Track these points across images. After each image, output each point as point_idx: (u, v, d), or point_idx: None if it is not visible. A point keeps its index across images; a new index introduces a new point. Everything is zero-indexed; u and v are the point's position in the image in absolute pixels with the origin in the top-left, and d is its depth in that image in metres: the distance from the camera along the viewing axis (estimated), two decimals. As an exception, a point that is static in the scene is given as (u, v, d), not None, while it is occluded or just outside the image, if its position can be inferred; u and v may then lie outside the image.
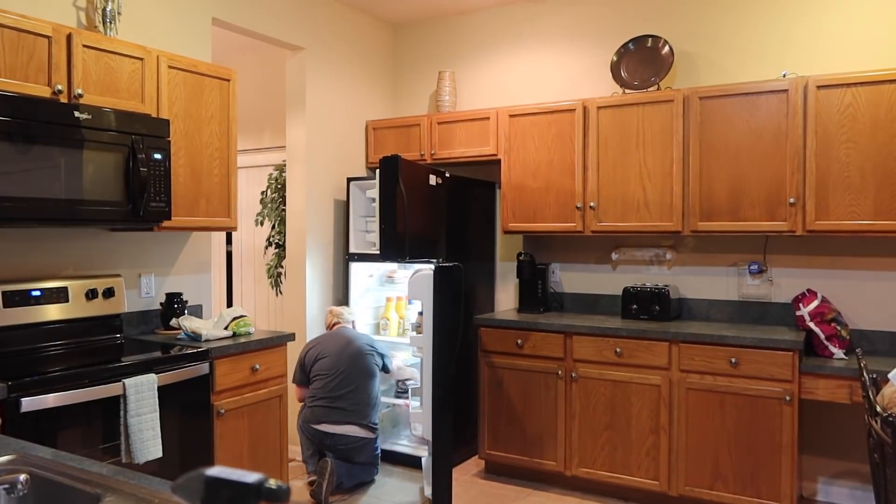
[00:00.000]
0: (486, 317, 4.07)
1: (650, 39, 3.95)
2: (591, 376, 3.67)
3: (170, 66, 3.03)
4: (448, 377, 3.48)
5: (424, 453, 3.90)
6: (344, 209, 4.49)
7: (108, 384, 2.44)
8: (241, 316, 3.20)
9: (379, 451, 3.91)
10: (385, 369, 3.98)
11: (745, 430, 3.30)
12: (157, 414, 2.56)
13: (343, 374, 3.75)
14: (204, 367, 2.83)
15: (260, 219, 5.13)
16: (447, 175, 4.11)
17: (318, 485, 3.55)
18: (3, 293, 2.66)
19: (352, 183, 4.41)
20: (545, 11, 4.47)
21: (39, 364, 2.54)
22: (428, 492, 3.58)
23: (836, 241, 3.62)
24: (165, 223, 2.98)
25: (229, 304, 5.84)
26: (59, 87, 2.59)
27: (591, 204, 3.91)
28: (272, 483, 0.89)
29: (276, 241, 5.03)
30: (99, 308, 2.99)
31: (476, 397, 4.12)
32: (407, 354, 4.50)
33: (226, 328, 3.14)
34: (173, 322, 3.23)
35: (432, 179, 3.96)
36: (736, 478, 3.33)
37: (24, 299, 2.72)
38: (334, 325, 4.04)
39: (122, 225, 2.92)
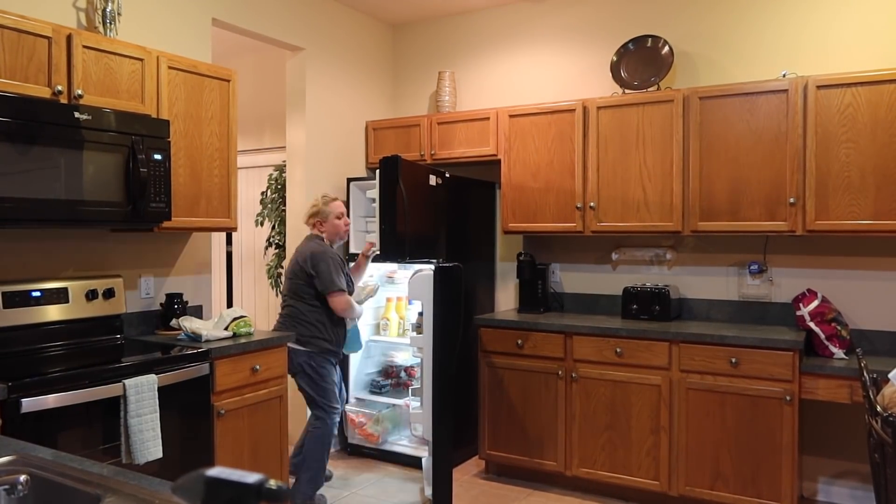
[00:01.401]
0: (487, 317, 4.07)
1: (650, 39, 3.95)
2: (591, 376, 3.67)
3: (170, 67, 3.03)
4: (448, 377, 3.48)
5: (424, 453, 3.90)
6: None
7: (108, 385, 2.44)
8: (242, 316, 3.20)
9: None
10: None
11: (746, 430, 3.30)
12: (158, 414, 2.56)
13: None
14: (204, 368, 2.83)
15: (260, 219, 5.14)
16: (447, 175, 4.11)
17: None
18: (4, 294, 2.66)
19: (352, 183, 4.41)
20: (545, 11, 4.47)
21: (40, 365, 2.54)
22: (428, 492, 3.58)
23: (836, 241, 3.62)
24: (165, 224, 2.98)
25: (229, 305, 5.85)
26: (60, 87, 2.59)
27: (591, 204, 3.91)
28: (272, 483, 0.89)
29: (276, 241, 5.04)
30: (99, 309, 2.99)
31: (476, 397, 4.12)
32: (407, 354, 4.51)
33: (226, 328, 3.13)
34: (173, 322, 3.22)
35: (432, 180, 3.96)
36: (736, 478, 3.33)
37: (24, 300, 2.72)
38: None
39: (123, 225, 2.92)
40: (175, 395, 2.69)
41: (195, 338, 3.02)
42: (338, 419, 3.70)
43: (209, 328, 3.09)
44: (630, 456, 3.58)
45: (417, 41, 4.95)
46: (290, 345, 3.47)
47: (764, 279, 3.80)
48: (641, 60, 3.96)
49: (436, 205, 4.01)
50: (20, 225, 2.56)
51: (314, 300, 3.55)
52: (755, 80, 3.72)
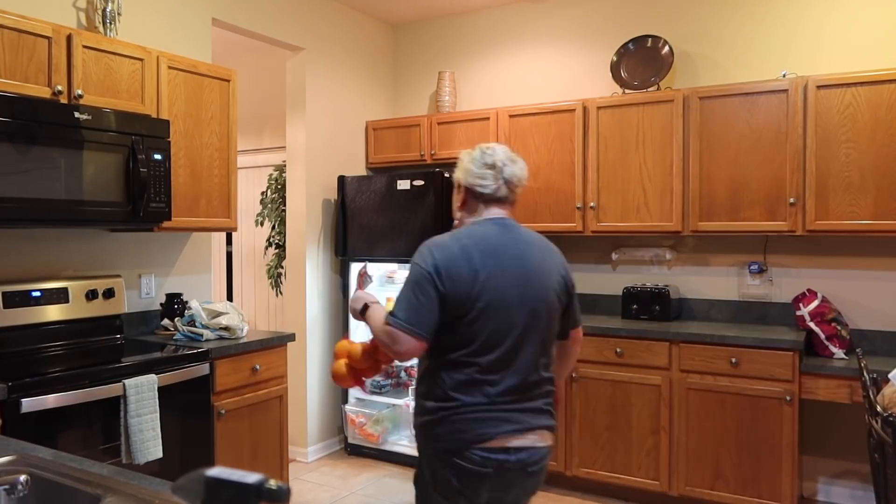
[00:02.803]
0: (487, 317, 4.06)
1: (650, 39, 3.95)
2: (591, 376, 3.67)
3: (170, 67, 3.03)
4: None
5: (425, 454, 3.89)
6: (343, 209, 4.49)
7: (108, 385, 2.44)
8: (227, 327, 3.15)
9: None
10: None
11: (746, 430, 3.30)
12: (158, 414, 2.56)
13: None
14: (204, 368, 2.83)
15: (260, 219, 5.14)
16: (443, 175, 4.10)
17: None
18: (4, 294, 2.66)
19: (346, 178, 4.40)
20: (545, 11, 4.47)
21: (40, 365, 2.54)
22: (428, 492, 3.57)
23: (836, 241, 3.62)
24: (165, 223, 2.98)
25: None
26: (60, 87, 2.59)
27: (591, 204, 3.90)
28: (272, 483, 0.89)
29: (276, 241, 5.04)
30: (99, 308, 2.99)
31: (476, 397, 4.12)
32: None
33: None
34: (165, 322, 3.22)
35: (402, 185, 4.14)
36: (736, 478, 3.33)
37: (24, 300, 2.72)
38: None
39: (123, 225, 2.92)
40: (175, 395, 2.69)
41: (194, 337, 3.02)
42: None
43: (229, 311, 3.12)
44: (630, 456, 3.57)
45: (417, 41, 4.95)
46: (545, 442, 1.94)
47: (764, 279, 3.80)
48: (641, 60, 3.96)
49: (404, 206, 4.15)
50: (20, 225, 2.56)
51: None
52: (755, 80, 3.72)
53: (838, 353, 3.31)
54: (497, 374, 1.83)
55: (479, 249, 1.87)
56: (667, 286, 3.85)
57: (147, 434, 2.51)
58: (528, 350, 1.87)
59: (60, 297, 2.85)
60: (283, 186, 4.85)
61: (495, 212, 2.00)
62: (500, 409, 1.82)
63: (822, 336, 3.34)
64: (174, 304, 3.27)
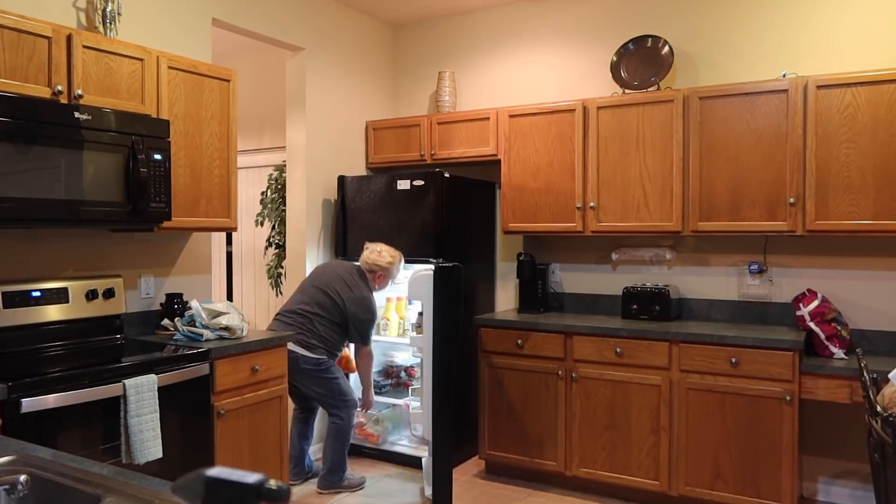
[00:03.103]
0: (487, 317, 4.07)
1: (650, 39, 3.95)
2: (591, 376, 3.67)
3: (170, 67, 3.03)
4: (448, 377, 3.49)
5: (424, 453, 3.90)
6: (343, 209, 4.49)
7: (108, 385, 2.44)
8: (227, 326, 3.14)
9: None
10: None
11: (746, 430, 3.30)
12: (158, 414, 2.56)
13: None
14: (204, 368, 2.83)
15: (260, 219, 5.14)
16: (442, 175, 4.11)
17: None
18: (4, 294, 2.66)
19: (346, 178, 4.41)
20: (545, 11, 4.47)
21: (40, 365, 2.54)
22: (428, 492, 3.59)
23: (836, 241, 3.62)
24: (165, 223, 2.98)
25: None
26: (60, 87, 2.59)
27: (591, 204, 3.91)
28: (272, 483, 0.89)
29: (276, 241, 5.04)
30: (99, 309, 2.99)
31: (476, 397, 4.12)
32: (407, 354, 4.51)
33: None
34: (166, 322, 3.21)
35: (402, 184, 4.13)
36: (736, 478, 3.33)
37: (24, 300, 2.72)
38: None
39: (123, 225, 2.92)
40: (175, 395, 2.69)
41: (194, 337, 3.02)
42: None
43: (230, 311, 3.12)
44: (630, 456, 3.58)
45: (417, 41, 4.96)
46: (297, 350, 3.62)
47: (764, 279, 3.80)
48: (641, 60, 3.96)
49: (405, 206, 4.15)
50: (20, 225, 2.56)
51: (339, 327, 3.78)
52: (755, 80, 3.72)
53: (838, 353, 3.31)
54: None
55: (320, 269, 3.97)
56: (667, 286, 3.85)
57: (147, 434, 2.51)
58: (311, 306, 3.75)
59: (60, 297, 2.85)
60: (283, 186, 4.85)
61: (355, 264, 3.95)
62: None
63: (822, 336, 3.34)
64: (174, 305, 3.27)
